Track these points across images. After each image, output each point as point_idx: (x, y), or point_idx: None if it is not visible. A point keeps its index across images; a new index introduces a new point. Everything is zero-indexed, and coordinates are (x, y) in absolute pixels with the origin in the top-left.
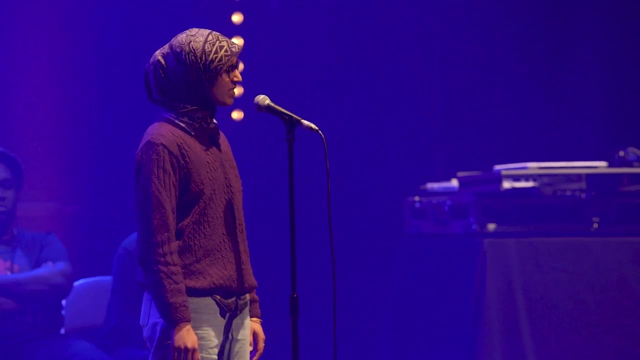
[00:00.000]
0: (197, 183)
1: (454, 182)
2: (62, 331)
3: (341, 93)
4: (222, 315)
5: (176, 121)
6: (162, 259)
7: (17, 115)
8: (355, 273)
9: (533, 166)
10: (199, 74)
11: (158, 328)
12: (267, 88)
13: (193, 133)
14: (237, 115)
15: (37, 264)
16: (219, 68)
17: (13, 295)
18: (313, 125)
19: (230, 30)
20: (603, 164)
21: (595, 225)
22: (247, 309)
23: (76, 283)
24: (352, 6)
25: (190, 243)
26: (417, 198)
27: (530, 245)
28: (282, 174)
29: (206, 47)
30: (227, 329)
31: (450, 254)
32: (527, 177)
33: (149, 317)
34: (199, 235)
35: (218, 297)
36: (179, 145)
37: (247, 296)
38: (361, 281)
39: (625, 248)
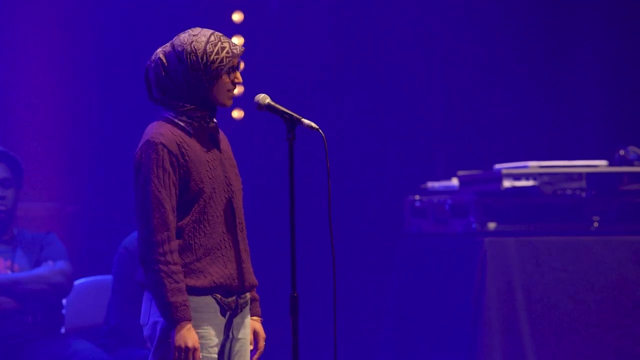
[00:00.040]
0: (196, 182)
1: (455, 181)
2: (62, 331)
3: (341, 93)
4: (223, 314)
5: (175, 120)
6: (162, 258)
7: (17, 115)
8: (355, 273)
9: (533, 165)
10: (199, 74)
11: (158, 327)
12: (267, 87)
13: (192, 132)
14: (237, 114)
15: (37, 264)
16: (220, 69)
17: (13, 295)
18: (313, 124)
19: (230, 30)
20: (603, 162)
21: (596, 225)
22: (247, 307)
23: (76, 282)
24: (352, 6)
25: (191, 242)
26: (417, 197)
27: (530, 244)
28: (283, 173)
29: (208, 48)
30: (228, 328)
31: (450, 253)
32: (527, 176)
33: (149, 316)
34: (199, 234)
35: (218, 296)
36: (178, 144)
37: (248, 295)
38: (361, 281)
39: (625, 247)
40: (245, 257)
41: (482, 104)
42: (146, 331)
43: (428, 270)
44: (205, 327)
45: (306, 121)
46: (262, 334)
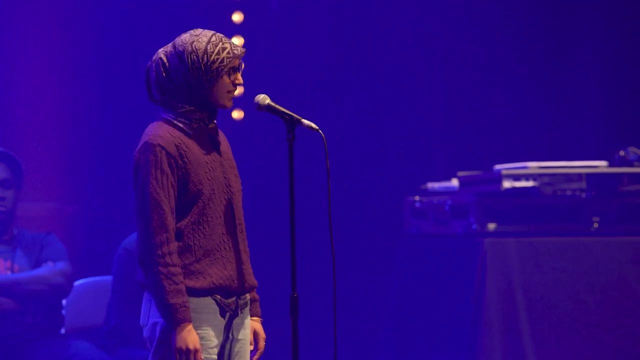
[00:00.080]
0: (195, 183)
1: (454, 182)
2: (62, 331)
3: (341, 93)
4: (222, 315)
5: (174, 122)
6: (161, 260)
7: (17, 115)
8: (355, 273)
9: (533, 166)
10: (200, 74)
11: (158, 328)
12: (267, 88)
13: (191, 133)
14: (237, 114)
15: (37, 264)
16: (220, 69)
17: (13, 295)
18: (313, 125)
19: (230, 30)
20: (603, 163)
21: (596, 225)
22: (247, 308)
23: (76, 283)
24: (352, 6)
25: (190, 243)
26: (417, 198)
27: (530, 245)
28: (282, 174)
29: (209, 48)
30: (228, 328)
31: (450, 254)
32: (527, 177)
33: (149, 317)
34: (199, 236)
35: (218, 297)
36: (177, 146)
37: (248, 296)
38: (361, 281)
39: (625, 248)
40: (245, 258)
41: (482, 104)
42: (146, 332)
43: (428, 270)
44: (205, 328)
45: (306, 122)
46: (262, 334)
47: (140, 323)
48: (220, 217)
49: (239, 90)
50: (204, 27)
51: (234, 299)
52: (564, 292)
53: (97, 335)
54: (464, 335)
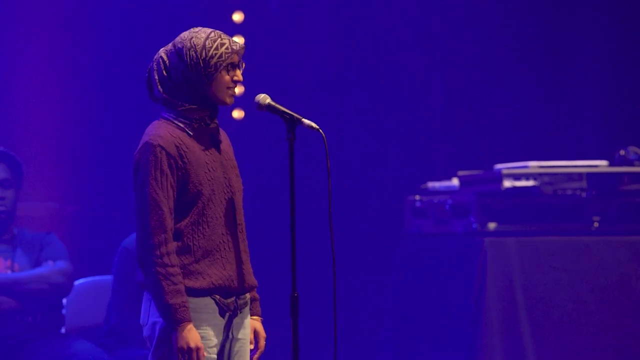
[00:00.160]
0: (195, 184)
1: (455, 181)
2: (63, 331)
3: (341, 93)
4: (222, 314)
5: (175, 121)
6: (159, 260)
7: (17, 115)
8: (355, 273)
9: (534, 165)
10: (198, 70)
11: (157, 327)
12: (267, 87)
13: (192, 133)
14: (237, 114)
15: (37, 264)
16: (218, 65)
17: (13, 295)
18: (314, 124)
19: (230, 30)
20: (604, 162)
21: (596, 225)
22: (247, 308)
23: (76, 282)
24: (352, 6)
25: (189, 243)
26: (417, 197)
27: (530, 244)
28: (283, 173)
29: (207, 43)
30: (227, 328)
31: (450, 253)
32: (527, 176)
33: (149, 316)
34: (198, 236)
35: (217, 297)
36: (177, 146)
37: (247, 295)
38: (361, 281)
39: (625, 247)
40: (245, 258)
41: (482, 104)
42: (145, 331)
43: (428, 270)
44: (205, 328)
45: (306, 121)
46: (262, 333)
47: (140, 322)
48: (220, 217)
49: (239, 89)
50: (204, 27)
51: (233, 299)
52: (564, 292)
53: (98, 334)
54: (464, 335)
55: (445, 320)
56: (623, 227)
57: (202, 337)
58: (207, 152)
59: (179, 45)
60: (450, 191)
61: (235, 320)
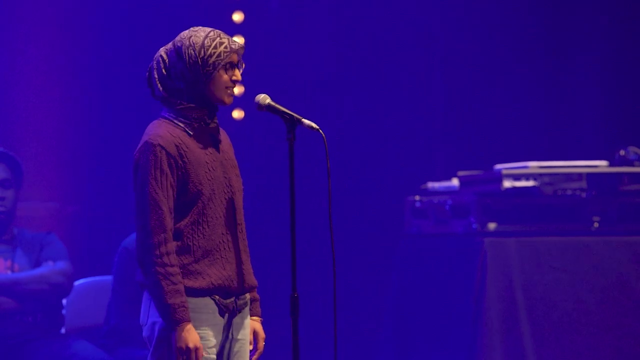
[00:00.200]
0: (195, 184)
1: (455, 182)
2: (63, 331)
3: (341, 93)
4: (221, 314)
5: (175, 121)
6: (159, 260)
7: (17, 115)
8: (355, 273)
9: (533, 165)
10: (197, 68)
11: (157, 327)
12: (267, 87)
13: (192, 133)
14: (237, 114)
15: (37, 264)
16: (216, 63)
17: (13, 295)
18: (314, 125)
19: (230, 30)
20: (604, 163)
21: (596, 225)
22: (247, 308)
23: (76, 283)
24: (352, 6)
25: (189, 243)
26: (417, 197)
27: (530, 244)
28: (283, 174)
29: (206, 42)
30: (227, 328)
31: (450, 253)
32: (527, 177)
33: (148, 316)
34: (198, 236)
35: (217, 297)
36: (177, 146)
37: (247, 296)
38: (361, 281)
39: (625, 248)
40: (245, 258)
41: (482, 104)
42: (145, 331)
43: (428, 270)
44: (204, 328)
45: (306, 121)
46: (261, 334)
47: (140, 322)
48: (220, 217)
49: (238, 89)
50: (204, 26)
51: (232, 299)
52: (564, 292)
53: (97, 335)
54: (464, 335)
55: (445, 320)
56: (623, 228)
57: (201, 337)
58: (207, 152)
59: (179, 44)
60: (450, 191)
61: (235, 321)
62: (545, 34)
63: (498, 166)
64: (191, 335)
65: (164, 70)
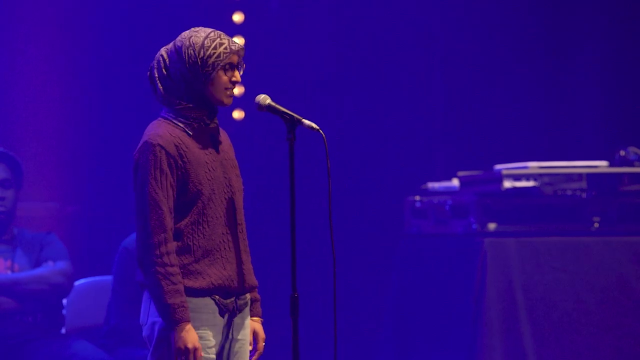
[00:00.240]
0: (195, 183)
1: (455, 182)
2: (63, 331)
3: (341, 93)
4: (221, 315)
5: (174, 121)
6: (159, 260)
7: (17, 115)
8: (355, 273)
9: (533, 166)
10: (196, 68)
11: (156, 327)
12: (267, 87)
13: (191, 133)
14: (237, 114)
15: (37, 264)
16: (216, 64)
17: (13, 295)
18: (314, 125)
19: (230, 30)
20: (604, 163)
21: (596, 225)
22: (247, 308)
23: (76, 283)
24: (352, 6)
25: (189, 243)
26: (417, 198)
27: (530, 245)
28: (283, 174)
29: (206, 42)
30: (227, 328)
31: (450, 253)
32: (527, 177)
33: (148, 316)
34: (198, 236)
35: (217, 297)
36: (176, 146)
37: (248, 296)
38: (361, 281)
39: (625, 248)
40: (245, 258)
41: (482, 104)
42: (145, 331)
43: (428, 270)
44: (204, 328)
45: (306, 121)
46: (261, 334)
47: (140, 322)
48: (220, 217)
49: (238, 90)
50: (205, 27)
51: (232, 299)
52: (564, 292)
53: (98, 335)
54: (464, 335)
55: (445, 320)
56: (623, 228)
57: (200, 338)
58: (206, 152)
59: (179, 44)
60: (450, 191)
61: (235, 321)
62: (545, 34)
63: (498, 166)
64: (190, 336)
65: (164, 70)
